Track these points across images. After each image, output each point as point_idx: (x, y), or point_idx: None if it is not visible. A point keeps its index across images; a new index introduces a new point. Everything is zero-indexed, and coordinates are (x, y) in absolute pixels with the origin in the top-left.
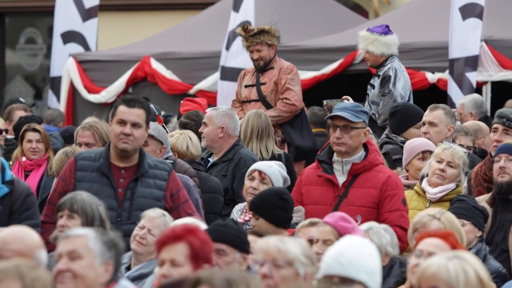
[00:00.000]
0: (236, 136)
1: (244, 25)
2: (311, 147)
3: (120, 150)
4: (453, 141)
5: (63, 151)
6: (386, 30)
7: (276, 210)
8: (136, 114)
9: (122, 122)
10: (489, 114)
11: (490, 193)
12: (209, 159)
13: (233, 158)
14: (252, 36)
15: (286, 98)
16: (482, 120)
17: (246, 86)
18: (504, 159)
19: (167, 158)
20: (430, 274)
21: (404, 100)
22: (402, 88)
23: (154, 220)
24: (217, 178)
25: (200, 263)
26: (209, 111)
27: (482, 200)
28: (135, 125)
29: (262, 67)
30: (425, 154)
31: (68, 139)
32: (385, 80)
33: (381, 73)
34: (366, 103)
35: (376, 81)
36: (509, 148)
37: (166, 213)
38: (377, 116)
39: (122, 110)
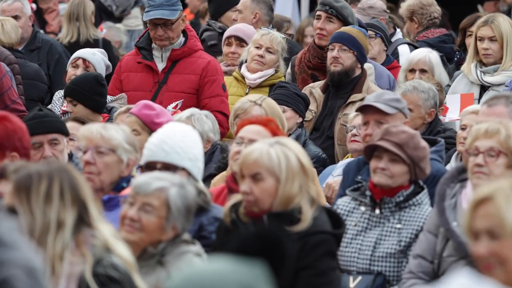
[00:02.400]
0: None
1: None
2: None
3: None
4: (273, 27)
5: None
6: None
7: (94, 95)
8: None
9: None
10: None
11: (324, 80)
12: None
13: (42, 45)
14: None
15: None
16: None
17: None
18: (338, 49)
19: None
20: (252, 161)
21: None
22: None
23: None
24: None
25: (5, 152)
26: (14, 3)
27: (317, 86)
28: None
29: None
30: (229, 40)
31: None
32: None
33: None
34: None
35: None
36: (343, 38)
37: None
38: (114, 8)
39: None
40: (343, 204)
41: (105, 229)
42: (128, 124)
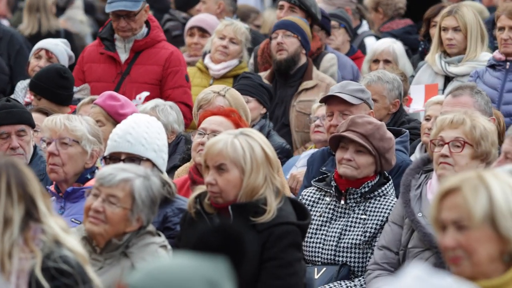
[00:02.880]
0: None
1: None
2: None
3: None
4: (237, 17)
5: None
6: None
7: (57, 89)
8: None
9: None
10: None
11: (270, 70)
12: None
13: (2, 36)
14: None
15: None
16: None
17: None
18: (281, 35)
19: None
20: (216, 152)
21: None
22: None
23: None
24: None
25: None
26: None
27: (262, 76)
28: None
29: None
30: (192, 31)
31: None
32: None
33: None
34: None
35: None
36: (286, 24)
37: None
38: None
39: None
40: (308, 195)
41: (54, 223)
42: (93, 115)
